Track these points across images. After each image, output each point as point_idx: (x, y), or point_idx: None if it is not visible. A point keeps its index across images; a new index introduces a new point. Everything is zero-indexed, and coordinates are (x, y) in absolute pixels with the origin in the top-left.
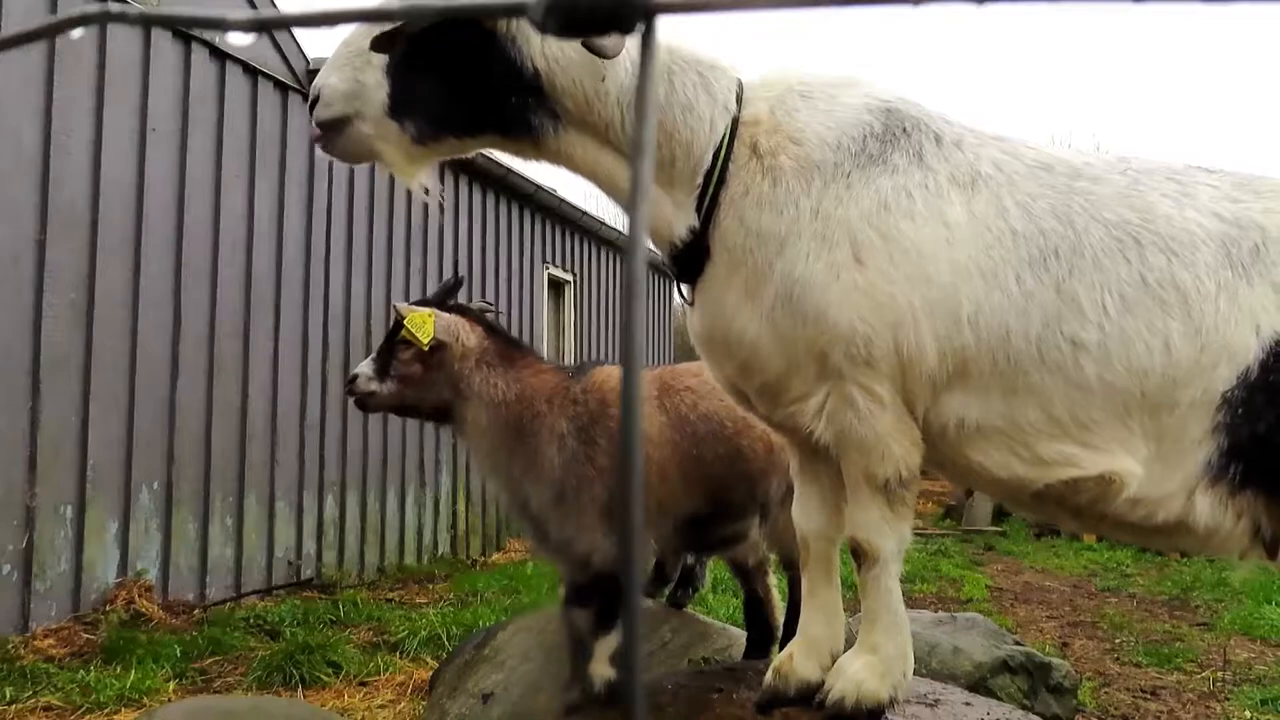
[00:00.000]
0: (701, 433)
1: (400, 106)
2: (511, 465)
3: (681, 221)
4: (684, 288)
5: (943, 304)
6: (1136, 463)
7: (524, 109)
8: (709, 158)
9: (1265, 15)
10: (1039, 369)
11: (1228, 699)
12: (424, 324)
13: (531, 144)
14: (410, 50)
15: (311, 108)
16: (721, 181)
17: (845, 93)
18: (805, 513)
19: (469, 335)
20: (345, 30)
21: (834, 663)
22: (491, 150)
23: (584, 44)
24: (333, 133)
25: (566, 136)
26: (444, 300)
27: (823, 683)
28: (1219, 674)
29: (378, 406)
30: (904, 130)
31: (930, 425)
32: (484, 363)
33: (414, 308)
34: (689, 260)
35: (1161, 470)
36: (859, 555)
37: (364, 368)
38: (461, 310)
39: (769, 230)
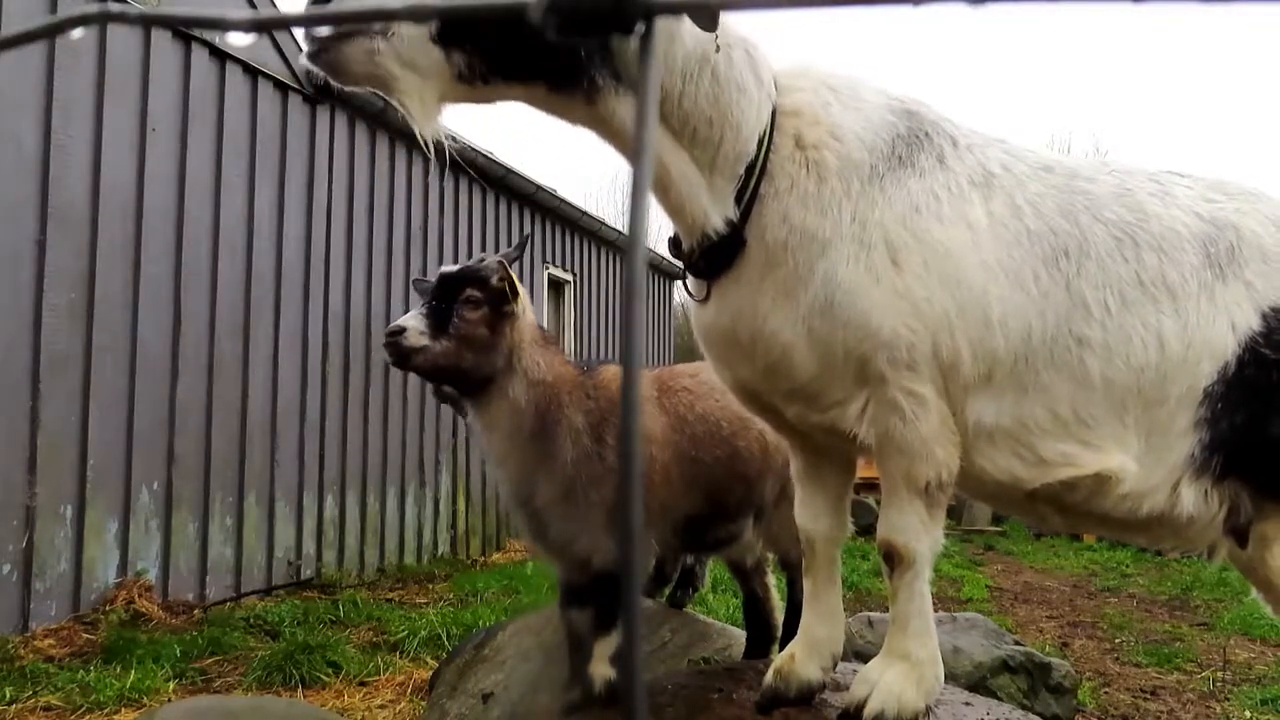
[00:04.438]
0: (700, 433)
1: (453, 33)
2: (528, 452)
3: (718, 211)
4: (695, 282)
5: (974, 306)
6: (1130, 458)
7: (589, 61)
8: (754, 145)
9: (1264, 15)
10: (1049, 368)
11: (1228, 699)
12: (522, 292)
13: (584, 102)
14: None
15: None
16: (764, 172)
17: (865, 92)
18: (812, 515)
19: (529, 307)
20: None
21: (834, 664)
22: (492, 151)
23: (691, 15)
24: (337, 41)
25: (623, 99)
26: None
27: (823, 685)
28: (1219, 674)
29: (421, 365)
30: (926, 134)
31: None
32: (533, 339)
33: (519, 286)
34: (718, 254)
35: (1151, 463)
36: (892, 559)
37: (412, 321)
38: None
39: (813, 230)
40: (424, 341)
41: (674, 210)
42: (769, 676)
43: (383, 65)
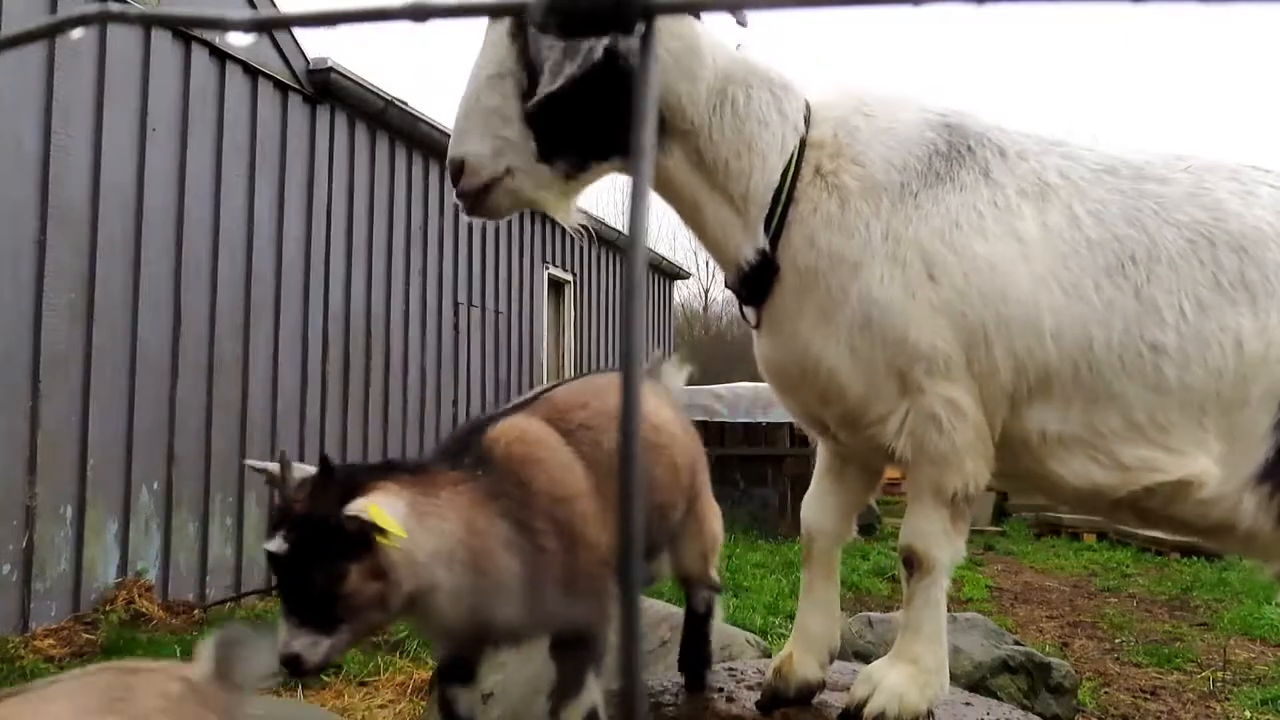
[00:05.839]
0: (610, 466)
1: (549, 150)
2: (478, 603)
3: (750, 242)
4: (750, 311)
5: (1022, 319)
6: (1213, 462)
7: None
8: (778, 175)
9: (1265, 15)
10: (1120, 376)
11: (1228, 699)
12: (381, 514)
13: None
14: (547, 99)
15: (455, 179)
16: (790, 200)
17: (902, 112)
18: (820, 511)
19: (393, 516)
20: (345, 31)
21: (831, 659)
22: None
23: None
24: (483, 195)
25: (671, 150)
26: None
27: (823, 683)
28: (1219, 674)
29: (316, 672)
30: (969, 148)
31: (1011, 438)
32: (420, 514)
33: (367, 504)
34: (757, 283)
35: (1232, 468)
36: (912, 564)
37: (296, 641)
38: (362, 473)
39: (841, 253)
40: (320, 652)
41: (711, 246)
42: (769, 676)
43: (523, 195)
